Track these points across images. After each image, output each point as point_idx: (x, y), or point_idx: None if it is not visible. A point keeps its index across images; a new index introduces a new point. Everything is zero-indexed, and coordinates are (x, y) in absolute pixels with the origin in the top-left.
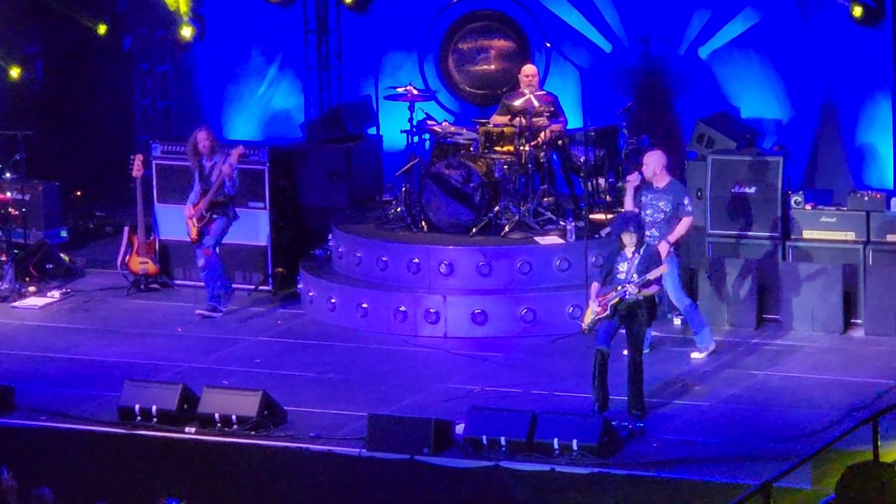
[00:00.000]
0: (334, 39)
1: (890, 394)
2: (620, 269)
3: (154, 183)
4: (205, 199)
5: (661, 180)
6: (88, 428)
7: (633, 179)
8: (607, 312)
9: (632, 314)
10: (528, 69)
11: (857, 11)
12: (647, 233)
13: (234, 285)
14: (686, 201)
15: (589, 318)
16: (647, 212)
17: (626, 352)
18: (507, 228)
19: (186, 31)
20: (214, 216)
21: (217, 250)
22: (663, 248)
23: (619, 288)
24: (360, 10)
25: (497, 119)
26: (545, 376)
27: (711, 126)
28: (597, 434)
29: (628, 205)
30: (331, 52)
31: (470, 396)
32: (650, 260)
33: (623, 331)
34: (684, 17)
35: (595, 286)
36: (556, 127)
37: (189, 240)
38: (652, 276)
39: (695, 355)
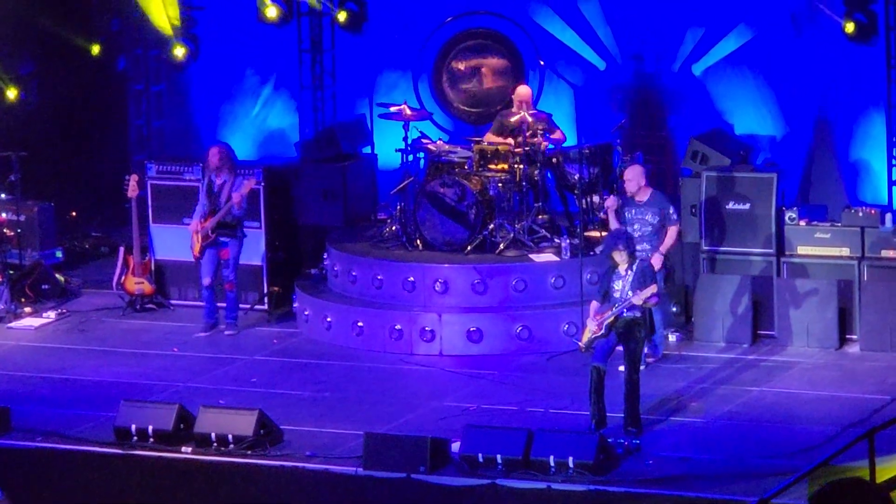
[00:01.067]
0: (329, 59)
1: (886, 409)
2: (616, 288)
3: (149, 203)
4: (212, 218)
5: (644, 193)
6: (85, 448)
7: (611, 204)
8: (602, 332)
9: (629, 331)
10: (522, 91)
11: (850, 28)
12: (639, 247)
13: None
14: (671, 210)
15: (587, 336)
16: (635, 227)
17: (622, 367)
18: (501, 246)
19: (179, 51)
20: (220, 238)
21: (235, 276)
22: (657, 260)
23: (615, 307)
24: (354, 30)
25: (492, 137)
26: (541, 394)
27: (705, 143)
28: (593, 451)
29: (613, 226)
30: (325, 71)
31: (466, 414)
32: (643, 275)
33: (620, 348)
34: (678, 35)
35: (594, 305)
36: (556, 134)
37: (192, 256)
38: (644, 295)
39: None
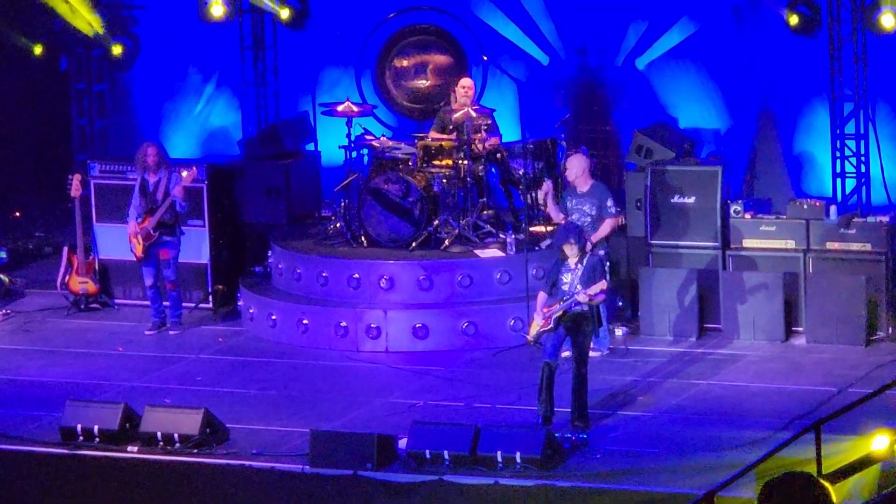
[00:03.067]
0: (271, 56)
1: (832, 401)
2: (564, 280)
3: (93, 202)
4: (152, 217)
5: (584, 184)
6: (30, 449)
7: (545, 188)
8: (551, 325)
9: (577, 325)
10: (465, 82)
11: (793, 20)
12: None
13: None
14: (609, 203)
15: (534, 330)
16: (574, 216)
17: (567, 353)
18: (447, 242)
19: (116, 50)
20: (164, 237)
21: (176, 275)
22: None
23: (563, 301)
24: (296, 27)
25: (434, 135)
26: (487, 389)
27: (650, 137)
28: (540, 446)
29: (553, 213)
30: (267, 68)
31: (412, 411)
32: (593, 270)
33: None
34: (621, 29)
35: (542, 296)
36: (493, 140)
37: (134, 258)
38: (591, 291)
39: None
